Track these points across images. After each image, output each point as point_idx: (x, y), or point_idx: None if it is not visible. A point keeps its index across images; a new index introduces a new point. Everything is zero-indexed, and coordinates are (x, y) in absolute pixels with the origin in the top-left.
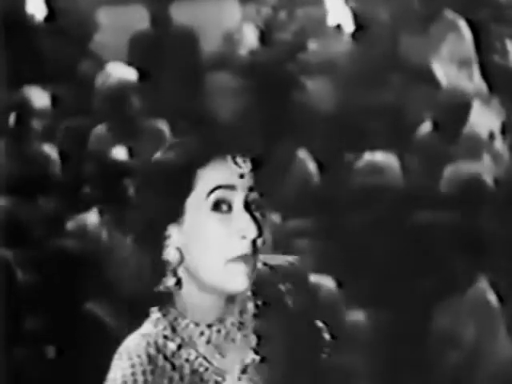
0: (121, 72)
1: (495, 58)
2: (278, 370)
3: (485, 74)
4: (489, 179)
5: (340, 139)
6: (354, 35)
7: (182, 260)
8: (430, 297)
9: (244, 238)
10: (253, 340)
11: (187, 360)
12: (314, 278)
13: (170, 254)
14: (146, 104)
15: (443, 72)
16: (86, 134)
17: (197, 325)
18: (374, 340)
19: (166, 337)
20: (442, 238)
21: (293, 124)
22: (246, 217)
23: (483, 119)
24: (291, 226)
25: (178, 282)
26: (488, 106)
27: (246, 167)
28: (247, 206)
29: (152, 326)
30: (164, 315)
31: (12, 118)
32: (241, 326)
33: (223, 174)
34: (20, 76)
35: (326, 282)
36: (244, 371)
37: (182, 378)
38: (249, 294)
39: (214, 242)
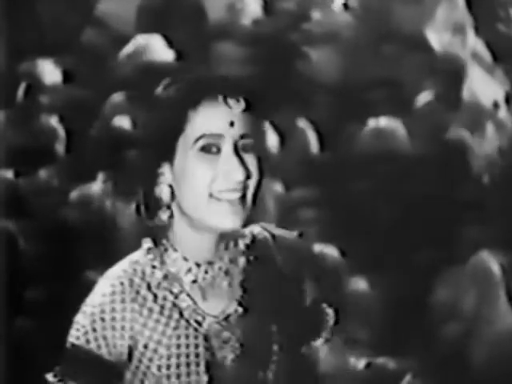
0: (157, 49)
1: (499, 27)
2: (258, 324)
3: (488, 43)
4: (492, 149)
5: (342, 108)
6: (346, 5)
7: (173, 197)
8: (432, 266)
9: (230, 178)
10: (238, 291)
11: (171, 292)
12: (317, 247)
13: (163, 190)
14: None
15: (437, 39)
16: (92, 105)
17: (185, 260)
18: (376, 308)
19: (154, 266)
20: (445, 207)
21: (296, 94)
22: (233, 159)
23: (486, 88)
24: (295, 196)
25: (172, 216)
26: (491, 74)
27: (237, 107)
28: (236, 150)
29: (142, 254)
30: (156, 245)
31: (21, 90)
32: (228, 273)
33: (211, 121)
34: (24, 46)
35: (330, 251)
36: (225, 319)
37: (161, 311)
38: (242, 247)
39: (199, 178)
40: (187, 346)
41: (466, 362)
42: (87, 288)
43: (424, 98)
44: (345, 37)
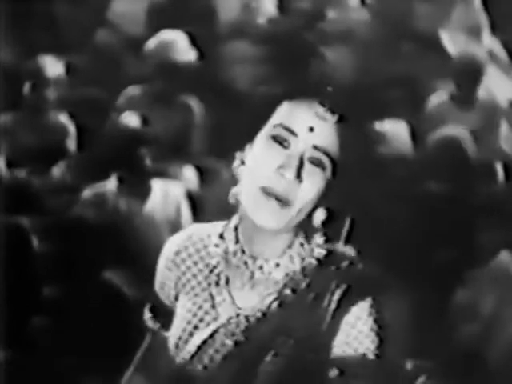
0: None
1: None
2: (263, 336)
3: (505, 43)
4: (508, 148)
5: (357, 108)
6: (363, 2)
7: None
8: (451, 269)
9: (281, 174)
10: (268, 297)
11: (215, 267)
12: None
13: (237, 166)
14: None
15: (452, 40)
16: (104, 104)
17: (236, 243)
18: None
19: (221, 236)
20: (463, 209)
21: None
22: (294, 159)
23: (502, 87)
24: None
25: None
26: (507, 74)
27: (328, 117)
28: (302, 158)
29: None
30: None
31: (27, 88)
32: (268, 275)
33: (294, 117)
34: (35, 44)
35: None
36: (247, 316)
37: (195, 275)
38: (313, 261)
39: (258, 164)
40: (194, 315)
41: (485, 365)
42: (103, 287)
43: (438, 97)
44: (360, 36)
